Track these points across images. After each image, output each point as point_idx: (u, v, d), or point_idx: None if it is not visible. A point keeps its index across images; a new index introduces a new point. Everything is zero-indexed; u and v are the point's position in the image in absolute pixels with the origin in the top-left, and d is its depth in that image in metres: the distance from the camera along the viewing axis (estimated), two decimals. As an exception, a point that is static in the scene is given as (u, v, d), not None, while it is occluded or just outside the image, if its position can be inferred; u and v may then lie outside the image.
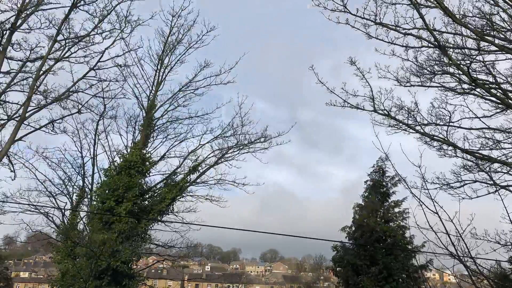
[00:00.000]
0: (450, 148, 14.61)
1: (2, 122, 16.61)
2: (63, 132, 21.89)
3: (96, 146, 24.42)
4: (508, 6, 12.53)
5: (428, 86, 14.65)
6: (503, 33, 12.92)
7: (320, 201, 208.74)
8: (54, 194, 23.81)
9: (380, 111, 13.65)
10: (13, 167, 18.51)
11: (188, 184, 23.07)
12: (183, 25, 23.90)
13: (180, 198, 22.93)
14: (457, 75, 14.04)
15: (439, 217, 7.47)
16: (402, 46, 12.82)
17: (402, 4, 11.85)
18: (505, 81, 14.24)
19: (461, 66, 12.66)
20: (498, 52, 12.79)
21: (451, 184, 15.68)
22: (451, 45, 12.96)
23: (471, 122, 14.74)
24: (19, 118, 16.30)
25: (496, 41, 12.49)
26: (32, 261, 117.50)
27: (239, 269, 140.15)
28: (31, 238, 32.15)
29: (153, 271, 64.77)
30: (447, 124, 14.09)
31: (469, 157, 15.00)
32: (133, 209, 20.93)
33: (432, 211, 7.59)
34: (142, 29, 22.33)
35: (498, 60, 13.80)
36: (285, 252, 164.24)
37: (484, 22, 13.17)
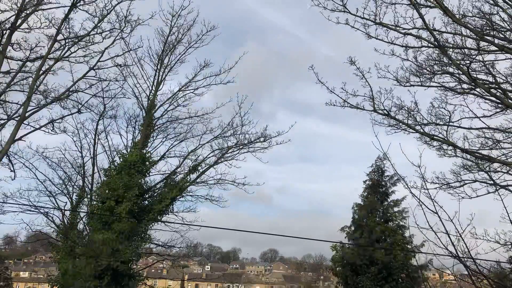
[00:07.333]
0: (450, 148, 14.60)
1: (2, 122, 16.63)
2: (63, 132, 21.78)
3: (96, 146, 24.39)
4: (508, 6, 12.53)
5: (428, 86, 14.63)
6: (503, 33, 12.92)
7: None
8: (54, 194, 23.76)
9: (380, 111, 13.60)
10: (13, 167, 18.51)
11: (188, 184, 23.07)
12: (183, 25, 23.91)
13: (180, 198, 22.96)
14: (457, 75, 14.03)
15: (439, 217, 7.43)
16: (402, 46, 12.80)
17: (402, 4, 11.84)
18: (505, 81, 14.25)
19: (461, 66, 12.65)
20: (498, 52, 12.77)
21: (451, 184, 15.73)
22: (451, 45, 12.96)
23: (471, 122, 14.74)
24: (19, 118, 16.29)
25: (496, 41, 12.48)
26: (32, 261, 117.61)
27: (239, 269, 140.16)
28: (31, 238, 32.06)
29: (153, 271, 64.75)
30: (447, 124, 14.06)
31: (469, 156, 15.01)
32: (133, 209, 20.92)
33: (432, 211, 7.55)
34: (142, 29, 22.25)
35: (498, 60, 13.79)
36: (285, 252, 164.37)
37: (484, 22, 13.18)
